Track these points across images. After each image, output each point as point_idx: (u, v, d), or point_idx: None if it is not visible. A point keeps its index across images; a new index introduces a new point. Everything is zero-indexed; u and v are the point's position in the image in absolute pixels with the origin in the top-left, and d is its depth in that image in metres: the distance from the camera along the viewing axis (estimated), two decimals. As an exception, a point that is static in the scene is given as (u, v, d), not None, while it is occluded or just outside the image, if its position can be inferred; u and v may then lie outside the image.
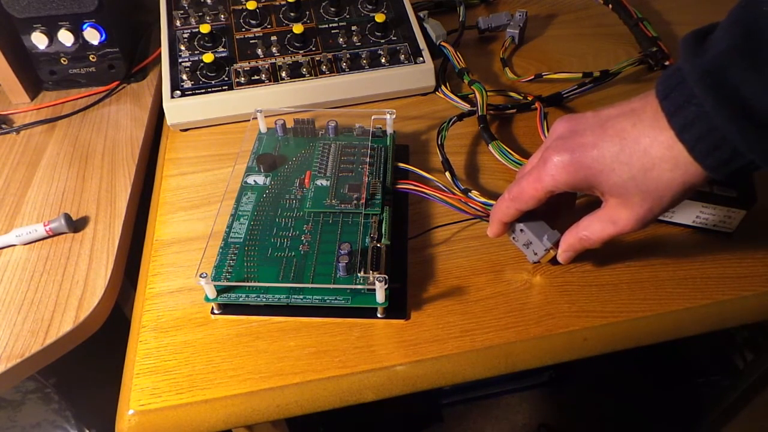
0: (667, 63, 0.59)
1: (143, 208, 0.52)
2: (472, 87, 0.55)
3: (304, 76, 0.56)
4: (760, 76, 0.27)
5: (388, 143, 0.51)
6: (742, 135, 0.28)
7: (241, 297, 0.40)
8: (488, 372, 0.38)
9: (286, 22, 0.60)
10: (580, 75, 0.57)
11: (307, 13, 0.61)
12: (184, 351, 0.39)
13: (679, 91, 0.30)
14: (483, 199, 0.44)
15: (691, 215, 0.43)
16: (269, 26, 0.60)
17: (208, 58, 0.55)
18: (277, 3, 0.62)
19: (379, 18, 0.58)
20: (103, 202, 0.51)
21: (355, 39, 0.59)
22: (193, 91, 0.55)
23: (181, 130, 0.57)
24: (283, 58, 0.57)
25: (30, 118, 0.60)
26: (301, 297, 0.40)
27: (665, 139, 0.31)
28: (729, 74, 0.28)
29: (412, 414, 1.03)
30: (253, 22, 0.60)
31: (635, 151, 0.32)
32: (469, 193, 0.45)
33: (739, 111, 0.28)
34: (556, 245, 0.40)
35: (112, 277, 0.45)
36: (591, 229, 0.37)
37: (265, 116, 0.52)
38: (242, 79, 0.56)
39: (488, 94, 0.54)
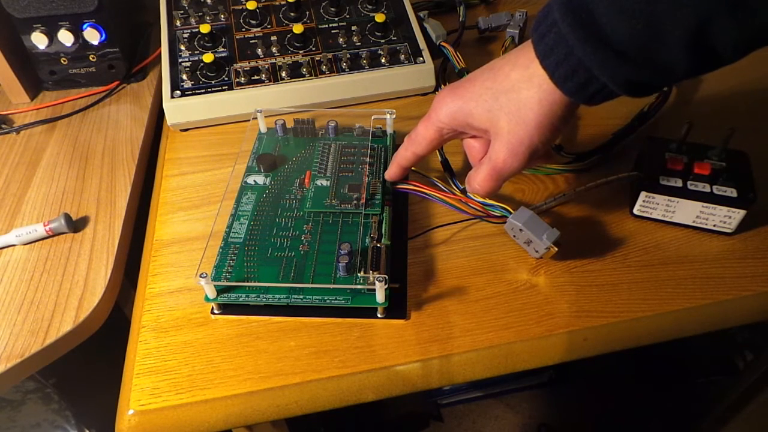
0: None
1: (143, 208, 0.52)
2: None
3: (304, 76, 0.56)
4: (611, 0, 0.28)
5: (388, 143, 0.51)
6: (594, 56, 0.29)
7: (241, 297, 0.40)
8: (488, 372, 0.38)
9: (286, 22, 0.60)
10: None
11: (307, 13, 0.61)
12: (184, 351, 0.39)
13: (545, 21, 0.31)
14: (482, 199, 0.44)
15: (691, 215, 0.43)
16: (269, 26, 0.60)
17: (208, 58, 0.55)
18: (277, 3, 0.62)
19: (379, 18, 0.58)
20: (103, 202, 0.51)
21: (355, 39, 0.59)
22: (193, 91, 0.55)
23: (181, 130, 0.57)
24: (283, 58, 0.57)
25: (30, 118, 0.60)
26: (301, 297, 0.40)
27: (524, 62, 0.33)
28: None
29: (412, 414, 1.03)
30: (253, 22, 0.60)
31: (499, 76, 0.34)
32: (469, 193, 0.45)
33: (594, 34, 0.29)
34: (555, 243, 0.40)
35: (112, 277, 0.45)
36: (478, 178, 0.38)
37: (265, 116, 0.52)
38: (242, 79, 0.56)
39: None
